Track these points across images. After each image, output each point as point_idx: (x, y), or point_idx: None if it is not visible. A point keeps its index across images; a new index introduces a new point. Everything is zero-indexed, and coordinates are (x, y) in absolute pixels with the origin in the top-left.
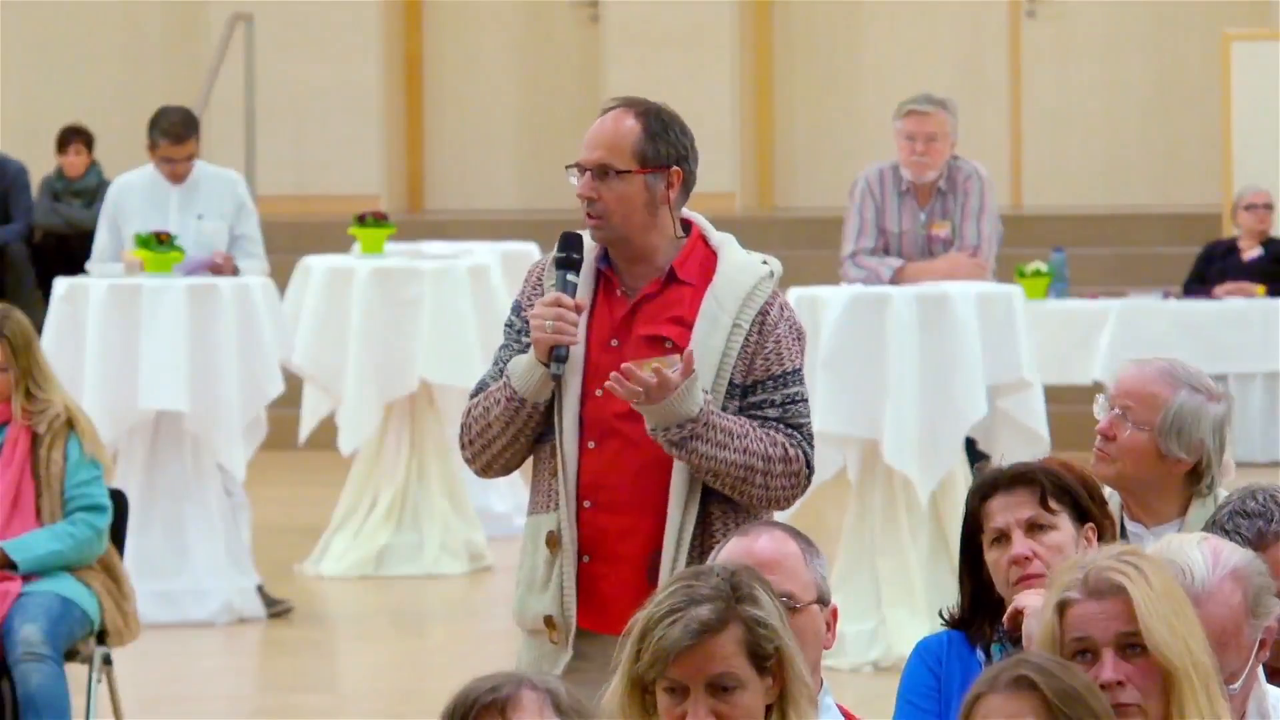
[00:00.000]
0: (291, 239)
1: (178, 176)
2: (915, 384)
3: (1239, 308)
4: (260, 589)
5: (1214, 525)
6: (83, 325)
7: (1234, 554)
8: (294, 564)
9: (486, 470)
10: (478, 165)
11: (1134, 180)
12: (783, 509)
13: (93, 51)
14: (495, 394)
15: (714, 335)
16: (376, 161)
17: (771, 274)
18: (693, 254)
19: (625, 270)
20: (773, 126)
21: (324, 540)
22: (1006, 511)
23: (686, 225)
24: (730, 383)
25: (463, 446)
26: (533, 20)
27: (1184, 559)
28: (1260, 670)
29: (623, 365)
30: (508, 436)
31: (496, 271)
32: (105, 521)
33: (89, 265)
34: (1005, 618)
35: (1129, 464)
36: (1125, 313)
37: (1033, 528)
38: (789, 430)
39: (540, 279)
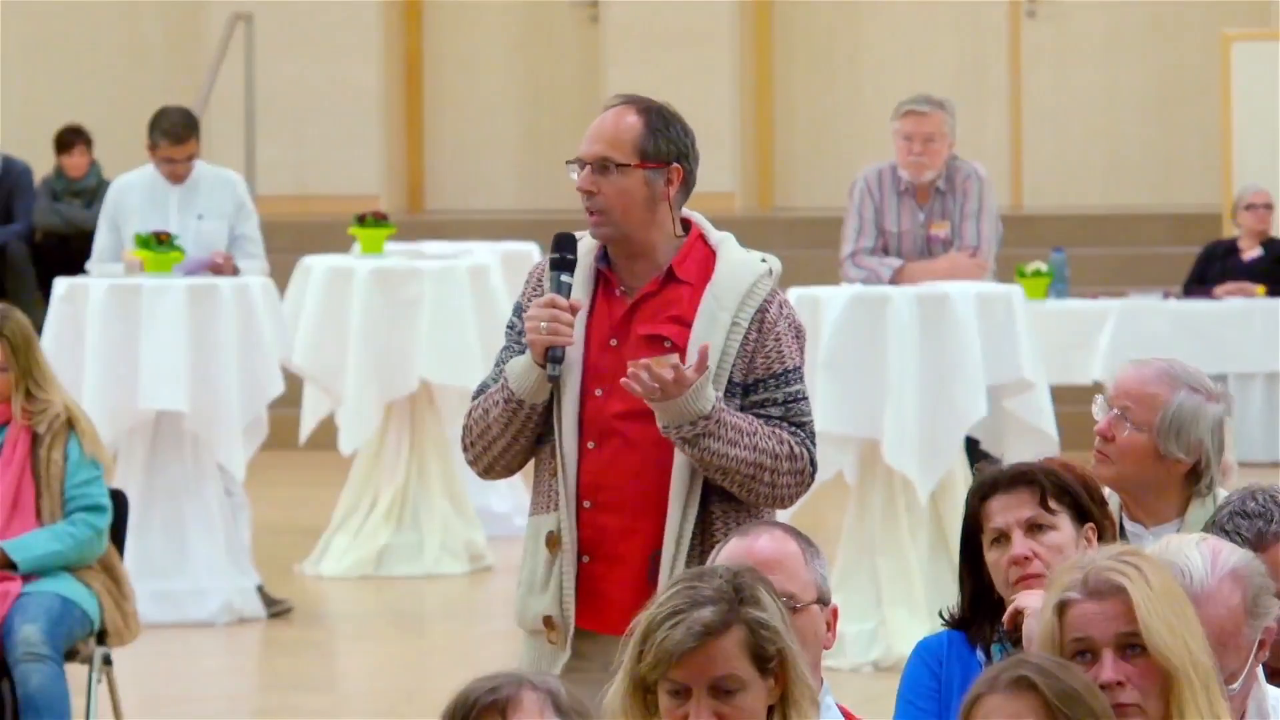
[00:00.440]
0: (291, 239)
1: (178, 177)
2: (915, 384)
3: (1239, 308)
4: (260, 589)
5: (1213, 526)
6: (83, 325)
7: (1233, 554)
8: (294, 564)
9: (488, 472)
10: (478, 165)
11: (1134, 180)
12: (785, 507)
13: (93, 51)
14: (494, 396)
15: (713, 333)
16: (376, 162)
17: (771, 272)
18: (692, 253)
19: (624, 269)
20: (773, 126)
21: (324, 540)
22: (1006, 512)
23: (686, 224)
24: (730, 381)
25: (465, 449)
26: (533, 20)
27: (1183, 559)
28: (1260, 670)
29: (640, 361)
30: (507, 438)
31: (496, 272)
32: (105, 521)
33: (89, 265)
34: (1005, 618)
35: (1128, 464)
36: (1125, 313)
37: (1033, 528)
38: (793, 429)
39: (540, 280)
